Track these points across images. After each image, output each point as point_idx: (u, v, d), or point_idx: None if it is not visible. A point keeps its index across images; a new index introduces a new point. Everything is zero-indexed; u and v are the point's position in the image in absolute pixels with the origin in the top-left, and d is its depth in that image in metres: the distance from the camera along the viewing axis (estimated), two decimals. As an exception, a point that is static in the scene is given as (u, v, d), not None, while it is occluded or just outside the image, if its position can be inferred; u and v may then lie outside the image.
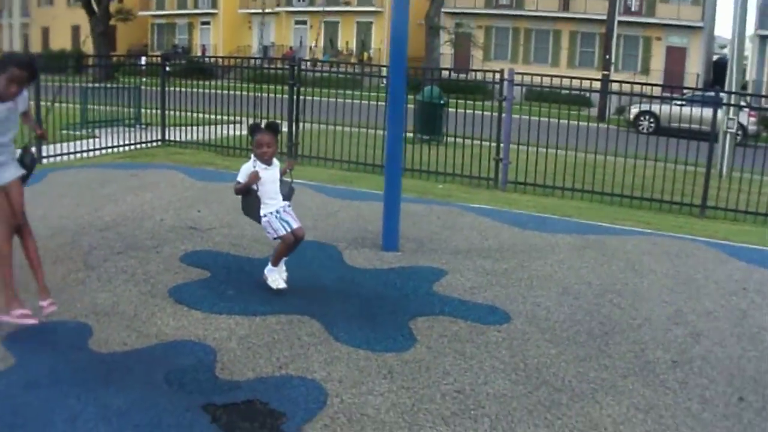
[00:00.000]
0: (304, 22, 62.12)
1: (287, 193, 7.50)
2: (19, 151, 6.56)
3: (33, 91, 13.19)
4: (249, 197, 7.37)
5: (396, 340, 6.42)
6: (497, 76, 15.37)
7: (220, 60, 25.58)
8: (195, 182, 12.42)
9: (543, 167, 14.78)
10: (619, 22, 43.35)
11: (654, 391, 5.76)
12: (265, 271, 7.49)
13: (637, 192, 14.49)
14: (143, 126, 19.54)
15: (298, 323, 6.64)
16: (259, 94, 16.67)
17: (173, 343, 6.14)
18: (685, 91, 30.55)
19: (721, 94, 17.25)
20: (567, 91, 16.26)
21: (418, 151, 15.96)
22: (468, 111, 16.02)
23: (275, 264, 7.45)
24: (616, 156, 14.81)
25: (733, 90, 19.92)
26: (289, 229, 7.27)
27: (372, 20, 59.36)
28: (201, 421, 4.85)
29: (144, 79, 21.71)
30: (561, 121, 15.42)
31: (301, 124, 16.99)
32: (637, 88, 15.55)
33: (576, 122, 15.64)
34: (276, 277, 7.44)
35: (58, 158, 15.15)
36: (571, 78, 15.65)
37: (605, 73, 38.76)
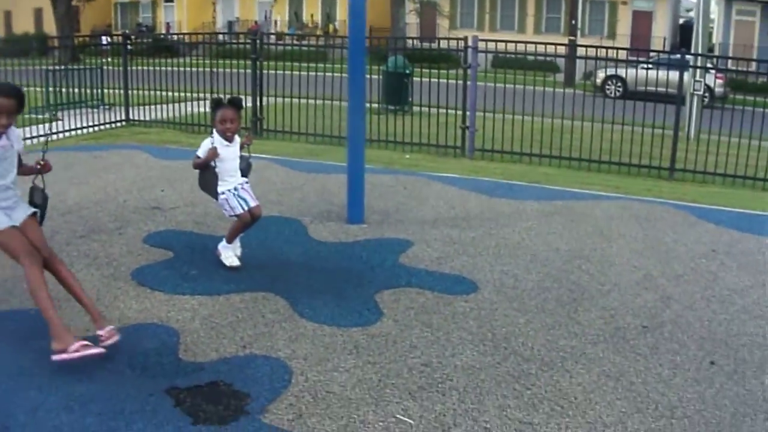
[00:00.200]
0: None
1: (245, 169, 7.35)
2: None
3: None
4: (207, 173, 7.21)
5: (362, 314, 6.31)
6: (461, 44, 15.24)
7: (184, 37, 25.19)
8: (159, 161, 12.27)
9: (510, 134, 14.69)
10: (585, -13, 43.26)
11: (624, 358, 5.68)
12: (219, 248, 7.37)
13: (605, 156, 14.45)
14: (107, 107, 19.28)
15: (263, 301, 6.52)
16: (216, 70, 16.50)
17: (136, 327, 5.99)
18: (651, 54, 30.50)
19: (688, 57, 17.19)
20: (533, 57, 16.16)
21: (384, 121, 15.82)
22: (434, 80, 15.89)
23: (230, 241, 7.33)
24: (583, 121, 14.74)
25: (700, 52, 19.87)
26: (246, 208, 7.13)
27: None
28: (164, 405, 4.73)
29: (108, 59, 21.43)
30: (528, 87, 15.33)
31: (265, 99, 16.81)
32: (603, 53, 15.40)
33: (543, 88, 15.53)
34: (230, 254, 7.32)
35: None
36: (536, 44, 15.52)
37: (571, 38, 38.64)
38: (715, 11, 45.77)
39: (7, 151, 5.65)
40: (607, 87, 30.06)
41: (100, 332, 5.48)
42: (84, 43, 34.76)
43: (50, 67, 18.99)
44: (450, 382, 5.15)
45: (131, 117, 18.11)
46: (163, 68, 17.62)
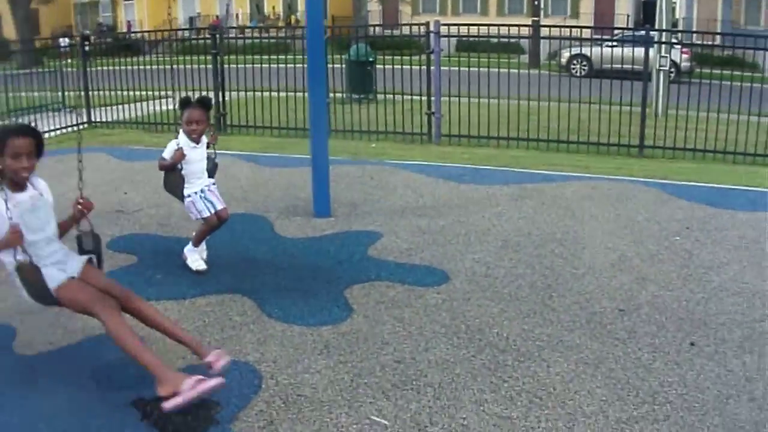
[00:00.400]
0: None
1: (211, 170, 7.17)
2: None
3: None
4: (172, 175, 7.00)
5: (331, 311, 6.15)
6: (423, 29, 15.08)
7: (144, 35, 24.91)
8: (121, 163, 12.08)
9: (477, 118, 14.54)
10: (546, -33, 43.20)
11: (602, 344, 5.55)
12: (185, 251, 7.19)
13: (573, 136, 14.34)
14: (69, 110, 19.00)
15: (230, 303, 6.35)
16: (176, 67, 16.31)
17: (100, 338, 5.76)
18: (616, 32, 30.43)
19: (652, 33, 17.12)
20: (497, 40, 16.02)
21: (349, 111, 15.67)
22: (398, 66, 15.72)
23: (196, 245, 7.16)
24: (549, 101, 14.63)
25: (664, 28, 19.81)
26: (213, 210, 6.96)
27: (297, -17, 58.71)
28: (131, 418, 4.55)
29: (68, 61, 21.14)
30: (493, 69, 15.19)
31: (228, 94, 16.61)
32: (567, 32, 15.30)
33: (508, 70, 15.39)
34: (196, 257, 7.15)
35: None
36: (499, 26, 15.39)
37: (535, 19, 38.57)
38: (678, -15, 45.92)
39: (37, 201, 5.14)
40: (573, 66, 29.96)
41: (207, 360, 4.97)
42: (45, 46, 34.37)
43: (7, 72, 18.72)
44: (425, 379, 5.00)
45: (93, 119, 17.84)
46: (124, 67, 17.40)
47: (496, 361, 5.27)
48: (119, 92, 17.38)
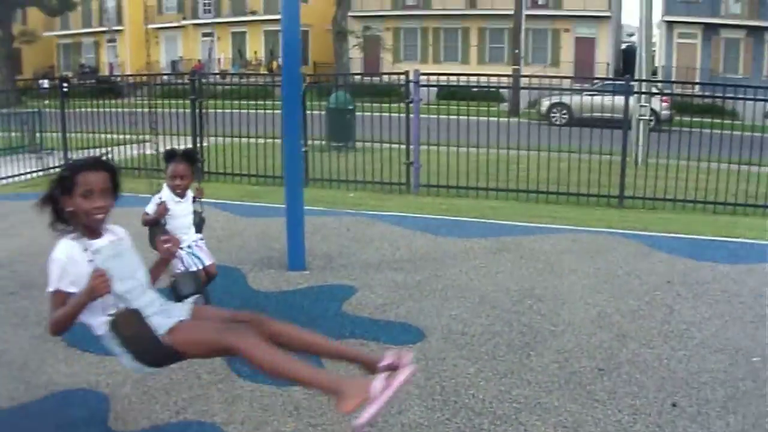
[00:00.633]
0: (211, 34, 61.40)
1: (198, 224, 6.98)
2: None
3: None
4: (157, 229, 6.79)
5: (303, 370, 5.98)
6: (402, 78, 15.04)
7: (124, 77, 24.91)
8: (96, 209, 11.89)
9: (456, 168, 14.47)
10: (527, 16, 43.45)
11: (581, 406, 5.38)
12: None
13: (553, 186, 14.27)
14: (47, 152, 18.86)
15: (199, 361, 6.13)
16: (155, 110, 16.17)
17: (64, 393, 5.62)
18: (596, 81, 30.58)
19: (632, 83, 17.16)
20: (476, 88, 16.02)
21: (327, 159, 15.57)
22: (377, 114, 15.67)
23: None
24: (529, 150, 14.58)
25: (644, 76, 19.89)
26: (201, 266, 6.76)
27: (279, 29, 58.78)
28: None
29: (47, 102, 21.05)
30: (472, 118, 15.14)
31: (206, 139, 16.47)
32: (547, 82, 15.34)
33: (487, 118, 15.35)
34: None
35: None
36: (479, 75, 15.39)
37: (515, 67, 38.78)
38: (657, 34, 46.32)
39: (118, 245, 4.42)
40: (552, 115, 30.07)
41: (386, 363, 4.15)
42: (26, 87, 34.34)
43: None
44: (397, 444, 4.83)
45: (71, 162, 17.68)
46: (103, 110, 17.25)
47: (472, 424, 5.09)
48: (98, 135, 17.22)
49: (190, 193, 6.83)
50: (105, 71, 61.44)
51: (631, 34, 58.05)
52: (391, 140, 15.34)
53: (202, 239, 6.95)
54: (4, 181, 15.60)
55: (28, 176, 16.25)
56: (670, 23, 46.84)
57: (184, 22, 61.92)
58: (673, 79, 42.91)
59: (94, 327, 4.27)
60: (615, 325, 7.04)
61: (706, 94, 17.21)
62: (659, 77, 42.97)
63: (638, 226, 11.58)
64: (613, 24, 52.16)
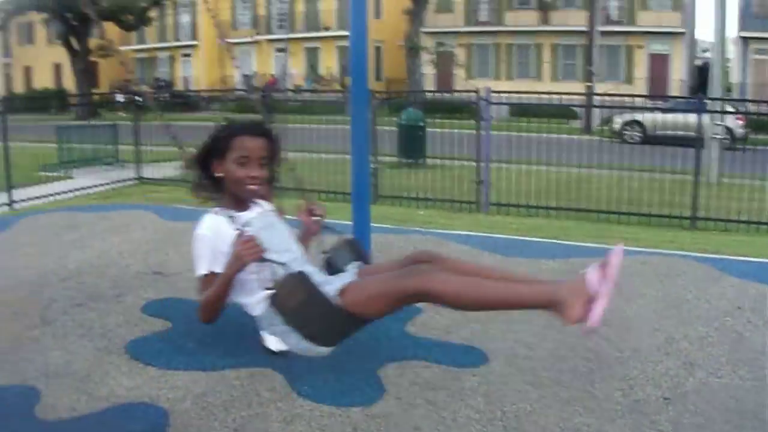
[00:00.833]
0: (285, 50, 61.96)
1: None
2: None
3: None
4: None
5: (363, 391, 5.93)
6: (474, 96, 15.01)
7: (197, 93, 25.24)
8: (166, 223, 12.00)
9: (527, 186, 14.40)
10: (601, 33, 43.16)
11: (645, 436, 5.29)
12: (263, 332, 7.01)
13: (624, 206, 14.11)
14: (122, 164, 19.16)
15: (260, 377, 6.15)
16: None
17: (125, 406, 5.65)
18: (668, 99, 30.28)
19: (706, 101, 16.94)
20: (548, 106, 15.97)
21: (398, 176, 15.58)
22: (448, 131, 15.66)
23: None
24: (602, 169, 14.46)
25: (718, 94, 19.64)
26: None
27: (349, 44, 59.17)
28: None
29: (123, 115, 21.42)
30: (544, 135, 15.05)
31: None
32: (621, 100, 15.27)
33: (559, 135, 15.28)
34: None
35: (32, 202, 14.75)
36: (551, 94, 15.33)
37: (588, 84, 38.54)
38: (732, 51, 45.74)
39: (269, 216, 4.31)
40: (626, 132, 29.78)
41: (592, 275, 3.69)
42: (102, 100, 34.94)
43: (64, 124, 18.97)
44: (455, 470, 4.78)
45: (143, 175, 17.92)
46: (178, 123, 17.45)
47: (532, 452, 5.03)
48: (170, 148, 17.42)
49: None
50: (179, 85, 62.27)
51: (706, 50, 57.32)
52: (462, 157, 15.30)
53: None
54: (78, 193, 15.82)
55: (102, 188, 16.49)
56: (745, 39, 46.24)
57: (258, 38, 62.54)
58: (748, 96, 42.36)
59: (251, 306, 4.04)
60: (682, 352, 6.89)
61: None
62: (734, 94, 42.40)
63: (709, 249, 11.39)
64: (687, 40, 51.63)
